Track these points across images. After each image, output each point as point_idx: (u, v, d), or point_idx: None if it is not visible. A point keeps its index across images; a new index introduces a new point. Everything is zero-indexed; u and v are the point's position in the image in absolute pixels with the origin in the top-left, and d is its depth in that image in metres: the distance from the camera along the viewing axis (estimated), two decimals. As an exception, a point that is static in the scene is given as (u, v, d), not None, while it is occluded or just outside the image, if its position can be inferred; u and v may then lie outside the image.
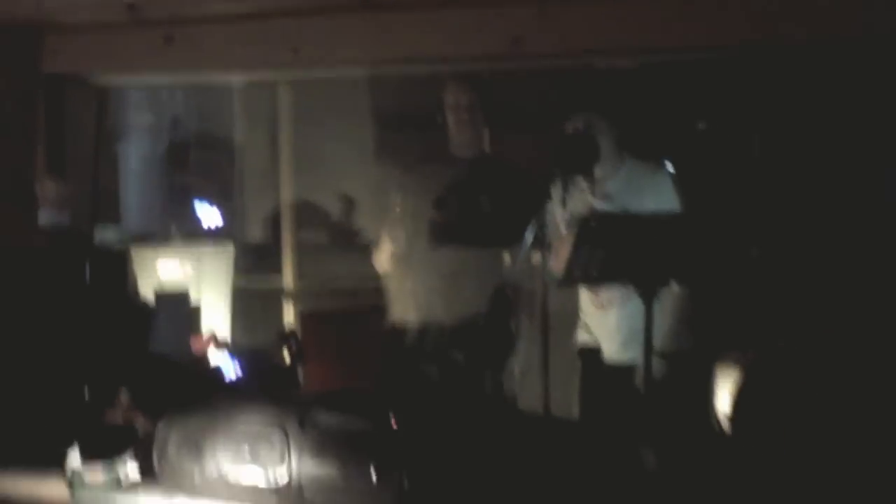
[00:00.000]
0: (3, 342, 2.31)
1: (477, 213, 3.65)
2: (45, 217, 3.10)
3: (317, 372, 3.98)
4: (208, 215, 5.76)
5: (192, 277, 4.79)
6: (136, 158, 5.41)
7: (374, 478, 1.91)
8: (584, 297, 3.44)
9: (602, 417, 2.73)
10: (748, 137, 4.30)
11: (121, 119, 4.97)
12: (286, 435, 1.99)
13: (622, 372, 3.02)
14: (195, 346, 3.65)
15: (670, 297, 2.91)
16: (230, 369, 3.48)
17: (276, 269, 5.35)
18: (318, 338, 4.64)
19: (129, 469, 2.20)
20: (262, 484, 2.00)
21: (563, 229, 3.28)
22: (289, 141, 5.08)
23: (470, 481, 1.92)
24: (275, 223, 5.45)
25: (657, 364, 2.45)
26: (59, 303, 2.40)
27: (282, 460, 2.00)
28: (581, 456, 2.04)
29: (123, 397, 2.30)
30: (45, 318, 2.38)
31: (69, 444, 2.20)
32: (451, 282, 3.64)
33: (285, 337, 4.59)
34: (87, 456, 2.18)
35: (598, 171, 3.36)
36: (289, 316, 5.16)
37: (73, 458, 2.19)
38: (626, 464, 2.09)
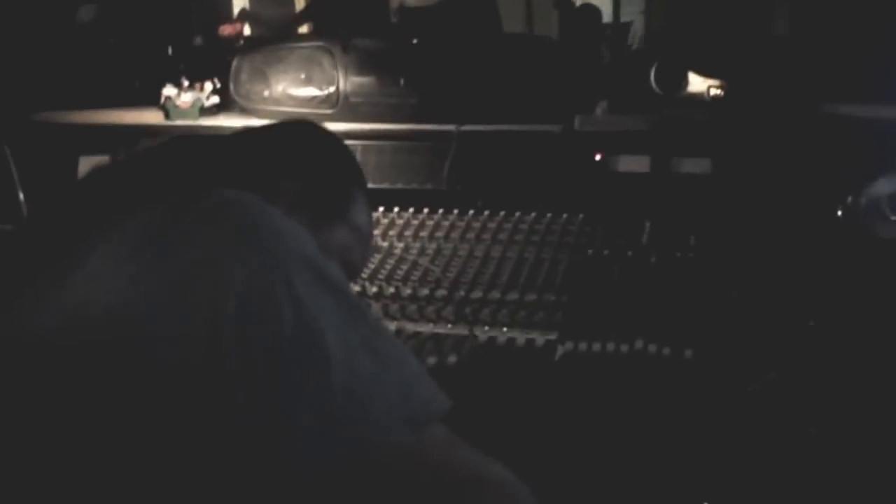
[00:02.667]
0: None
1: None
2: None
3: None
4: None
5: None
6: None
7: (401, 84, 2.58)
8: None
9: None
10: None
11: None
12: (333, 57, 2.63)
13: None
14: (230, 29, 4.22)
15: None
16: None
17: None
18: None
19: (211, 96, 2.86)
20: (315, 95, 2.67)
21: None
22: None
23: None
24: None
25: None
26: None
27: (330, 78, 2.65)
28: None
29: (198, 40, 2.93)
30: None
31: (163, 83, 2.84)
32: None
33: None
34: (177, 88, 2.82)
35: None
36: None
37: (166, 90, 2.83)
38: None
